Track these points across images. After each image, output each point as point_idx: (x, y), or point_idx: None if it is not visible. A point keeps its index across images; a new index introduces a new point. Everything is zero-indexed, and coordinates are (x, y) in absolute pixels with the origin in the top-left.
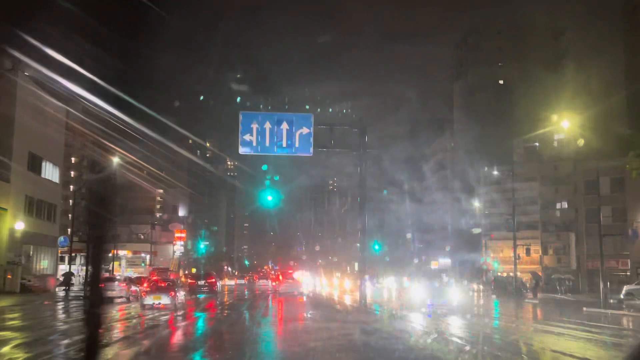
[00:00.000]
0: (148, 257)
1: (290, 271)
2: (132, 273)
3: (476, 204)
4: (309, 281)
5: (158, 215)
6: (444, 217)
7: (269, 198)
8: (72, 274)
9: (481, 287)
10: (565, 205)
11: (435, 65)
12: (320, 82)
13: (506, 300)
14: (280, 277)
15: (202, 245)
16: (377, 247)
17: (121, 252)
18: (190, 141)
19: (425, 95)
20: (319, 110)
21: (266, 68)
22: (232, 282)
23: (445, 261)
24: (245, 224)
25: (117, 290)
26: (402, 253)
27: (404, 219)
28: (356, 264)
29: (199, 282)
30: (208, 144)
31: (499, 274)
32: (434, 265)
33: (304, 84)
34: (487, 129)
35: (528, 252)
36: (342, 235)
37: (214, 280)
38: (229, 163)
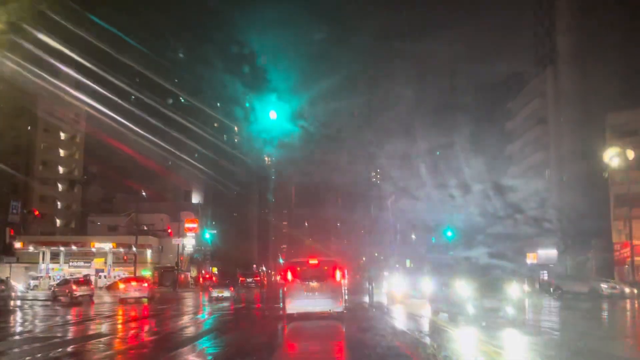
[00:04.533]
0: (149, 251)
1: (312, 262)
2: (120, 273)
3: (611, 162)
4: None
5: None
6: (542, 189)
7: (272, 115)
8: None
9: (636, 289)
10: None
11: None
12: None
13: None
14: (290, 276)
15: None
16: (449, 233)
17: (104, 246)
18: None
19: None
20: None
21: None
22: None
23: (548, 253)
24: (284, 222)
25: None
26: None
27: (482, 197)
28: (407, 260)
29: (248, 280)
30: (236, 129)
31: None
32: (530, 258)
33: None
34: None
35: None
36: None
37: (259, 278)
38: (266, 158)
